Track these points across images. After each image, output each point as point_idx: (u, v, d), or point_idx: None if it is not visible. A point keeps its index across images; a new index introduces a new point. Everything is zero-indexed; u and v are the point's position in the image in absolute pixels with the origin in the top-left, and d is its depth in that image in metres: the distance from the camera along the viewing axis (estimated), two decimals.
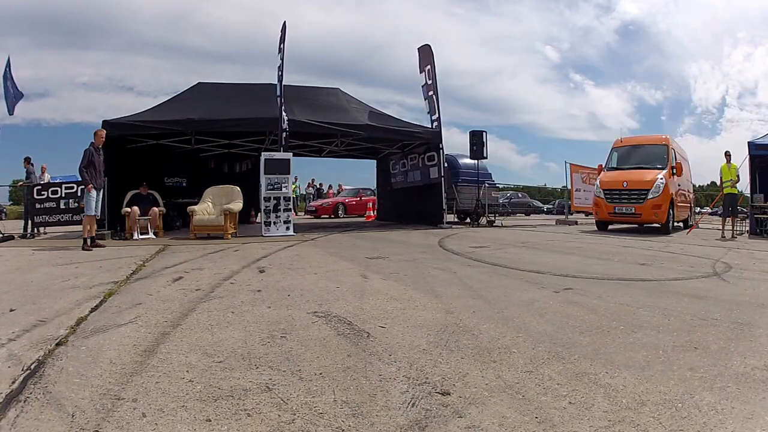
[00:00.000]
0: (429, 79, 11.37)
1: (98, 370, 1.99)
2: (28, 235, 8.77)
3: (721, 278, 4.29)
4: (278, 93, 8.72)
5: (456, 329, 2.60)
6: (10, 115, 9.69)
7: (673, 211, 9.64)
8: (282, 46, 8.84)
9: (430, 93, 11.31)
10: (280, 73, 8.86)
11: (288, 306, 3.12)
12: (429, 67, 11.30)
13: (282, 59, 8.88)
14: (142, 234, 8.00)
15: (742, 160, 9.92)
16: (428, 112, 11.39)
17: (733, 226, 9.43)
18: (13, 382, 1.86)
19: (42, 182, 9.79)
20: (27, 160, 10.08)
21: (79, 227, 7.18)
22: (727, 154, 9.56)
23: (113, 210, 8.18)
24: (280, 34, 8.90)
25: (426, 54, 11.44)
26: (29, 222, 9.31)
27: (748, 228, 10.19)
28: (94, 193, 6.71)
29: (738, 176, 9.55)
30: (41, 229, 9.01)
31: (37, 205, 8.90)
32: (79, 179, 7.36)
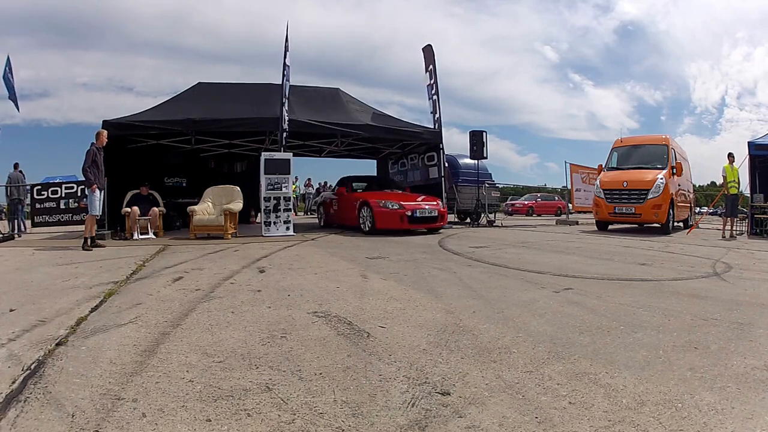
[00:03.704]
0: (431, 80, 11.38)
1: (98, 370, 1.99)
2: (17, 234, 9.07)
3: (722, 278, 4.29)
4: (285, 94, 8.69)
5: (456, 329, 2.60)
6: (18, 111, 9.85)
7: (673, 211, 9.65)
8: (287, 45, 8.84)
9: (433, 93, 11.31)
10: (286, 71, 8.83)
11: (288, 306, 3.12)
12: (431, 67, 11.30)
13: (285, 59, 8.86)
14: (142, 234, 8.00)
15: (741, 160, 9.96)
16: (431, 112, 11.39)
17: (732, 226, 9.45)
18: (13, 382, 1.86)
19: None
20: (15, 166, 10.77)
21: (79, 227, 7.20)
22: (731, 156, 9.62)
23: (113, 210, 8.19)
24: (285, 33, 8.89)
25: (428, 54, 11.44)
26: (15, 222, 9.94)
27: (746, 228, 10.20)
28: (98, 193, 6.75)
29: (738, 179, 9.63)
30: (21, 228, 9.56)
31: (37, 205, 8.97)
32: (79, 179, 7.39)
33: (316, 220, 14.84)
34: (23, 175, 11.37)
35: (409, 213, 8.54)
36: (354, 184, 10.45)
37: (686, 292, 3.61)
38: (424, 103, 11.67)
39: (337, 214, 10.23)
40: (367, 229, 8.65)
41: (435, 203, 9.18)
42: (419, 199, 9.26)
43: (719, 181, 10.18)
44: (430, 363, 2.09)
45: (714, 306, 3.15)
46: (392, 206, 8.55)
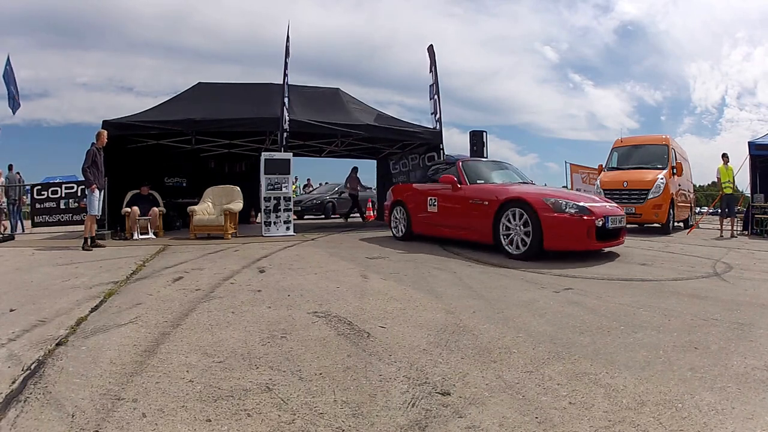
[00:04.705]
0: (432, 80, 11.38)
1: (98, 370, 1.99)
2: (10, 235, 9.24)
3: (722, 278, 4.28)
4: (285, 94, 8.70)
5: (456, 329, 2.60)
6: (13, 114, 9.83)
7: (673, 211, 9.65)
8: (288, 44, 8.86)
9: (434, 93, 11.32)
10: (285, 71, 8.84)
11: (288, 306, 3.12)
12: (433, 67, 11.31)
13: (286, 58, 8.88)
14: (142, 234, 8.01)
15: (742, 161, 9.97)
16: (432, 113, 11.38)
17: (732, 226, 9.48)
18: (13, 382, 1.86)
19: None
20: (10, 168, 10.94)
21: (79, 227, 7.22)
22: (725, 156, 9.68)
23: (113, 210, 8.20)
24: (286, 33, 8.92)
25: (431, 54, 11.45)
26: (12, 222, 10.16)
27: (740, 228, 10.20)
28: (97, 193, 6.78)
29: (734, 179, 9.69)
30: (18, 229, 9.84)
31: (37, 205, 9.00)
32: (79, 179, 7.41)
33: (316, 220, 14.73)
34: (20, 176, 11.49)
35: (600, 222, 5.02)
36: (470, 172, 6.49)
37: (686, 292, 3.61)
38: (424, 103, 11.66)
39: (442, 219, 6.49)
40: (522, 249, 5.11)
41: (616, 205, 5.95)
42: (598, 198, 6.09)
43: (717, 181, 10.23)
44: (430, 363, 2.09)
45: (714, 306, 3.15)
46: (571, 210, 4.96)
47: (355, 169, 13.96)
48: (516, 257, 5.16)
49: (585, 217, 4.98)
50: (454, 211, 6.29)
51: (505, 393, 1.78)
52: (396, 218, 7.57)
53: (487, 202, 5.69)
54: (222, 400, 1.71)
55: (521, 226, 5.18)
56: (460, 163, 6.66)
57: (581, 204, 5.13)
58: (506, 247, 5.32)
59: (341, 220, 14.47)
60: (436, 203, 6.65)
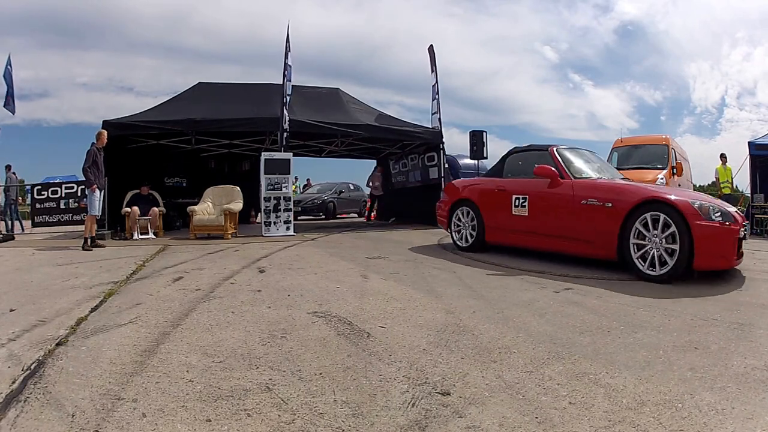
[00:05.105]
0: (434, 80, 11.39)
1: (98, 370, 1.99)
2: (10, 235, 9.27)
3: (722, 278, 4.28)
4: (288, 93, 8.69)
5: (456, 329, 2.60)
6: (12, 114, 9.80)
7: None
8: (288, 45, 8.86)
9: (435, 93, 11.32)
10: (287, 71, 8.84)
11: (288, 306, 3.12)
12: (434, 67, 11.32)
13: (285, 59, 8.88)
14: (142, 234, 8.01)
15: (742, 161, 9.97)
16: (434, 113, 11.38)
17: None
18: (13, 382, 1.86)
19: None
20: (8, 168, 11.19)
21: (79, 227, 7.22)
22: (723, 156, 9.71)
23: (113, 210, 8.20)
24: (286, 33, 8.92)
25: (431, 55, 11.46)
26: (11, 222, 10.47)
27: None
28: (98, 193, 6.79)
29: (732, 179, 9.73)
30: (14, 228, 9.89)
31: (37, 205, 9.02)
32: (79, 179, 7.42)
33: (317, 220, 14.82)
34: (16, 176, 11.60)
35: (742, 233, 4.08)
36: (570, 163, 5.05)
37: (686, 292, 3.61)
38: (424, 103, 11.69)
39: (534, 225, 5.06)
40: (661, 270, 3.90)
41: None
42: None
43: (716, 181, 10.26)
44: (430, 363, 2.09)
45: (714, 306, 3.15)
46: (718, 216, 3.85)
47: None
48: (653, 279, 3.92)
49: (732, 227, 3.88)
50: (554, 215, 4.85)
51: (505, 393, 1.78)
52: (460, 222, 6.00)
53: (610, 204, 4.30)
54: (222, 400, 1.72)
55: (663, 238, 3.92)
56: (555, 150, 5.15)
57: (725, 209, 4.00)
58: (637, 263, 4.08)
59: (339, 221, 14.45)
60: (525, 203, 5.11)
